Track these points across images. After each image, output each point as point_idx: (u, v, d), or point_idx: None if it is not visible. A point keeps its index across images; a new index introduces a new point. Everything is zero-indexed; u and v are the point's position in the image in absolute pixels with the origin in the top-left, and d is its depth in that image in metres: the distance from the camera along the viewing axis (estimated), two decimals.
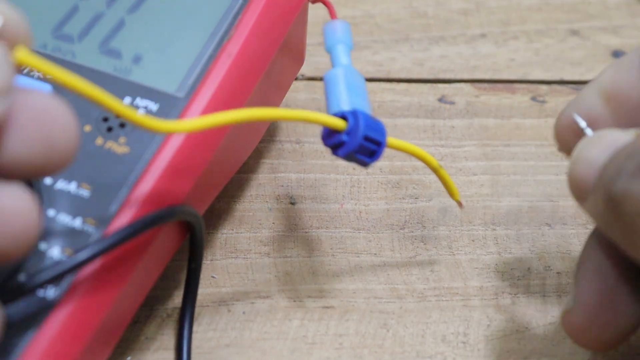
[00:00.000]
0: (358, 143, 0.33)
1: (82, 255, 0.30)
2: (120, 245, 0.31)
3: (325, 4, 0.39)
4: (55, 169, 0.27)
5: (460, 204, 0.40)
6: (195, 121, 0.31)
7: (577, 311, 0.34)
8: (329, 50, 0.37)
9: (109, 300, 0.32)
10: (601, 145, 0.32)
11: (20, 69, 0.27)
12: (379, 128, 0.34)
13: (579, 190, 0.33)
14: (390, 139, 0.35)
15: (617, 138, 0.32)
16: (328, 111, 0.35)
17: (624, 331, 0.34)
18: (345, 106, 0.34)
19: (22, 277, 0.30)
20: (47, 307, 0.30)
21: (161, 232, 0.33)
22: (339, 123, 0.34)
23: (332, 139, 0.34)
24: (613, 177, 0.31)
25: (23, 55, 0.26)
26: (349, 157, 0.34)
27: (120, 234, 0.31)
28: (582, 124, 0.35)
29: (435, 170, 0.38)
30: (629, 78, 0.35)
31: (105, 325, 0.32)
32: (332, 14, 0.38)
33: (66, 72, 0.27)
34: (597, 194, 0.31)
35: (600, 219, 0.32)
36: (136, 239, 0.32)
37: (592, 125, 0.35)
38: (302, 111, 0.33)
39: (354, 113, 0.34)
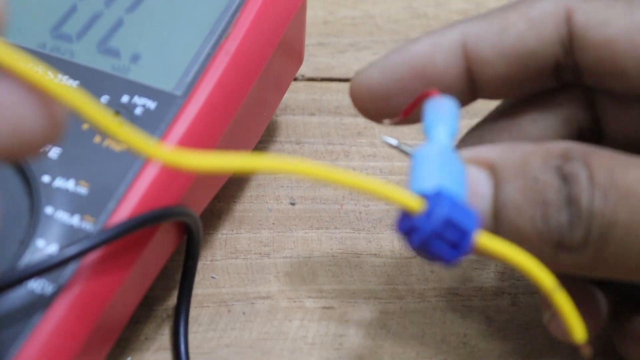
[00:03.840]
0: (434, 227, 0.26)
1: (72, 250, 0.30)
2: (113, 241, 0.31)
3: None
4: (28, 154, 0.24)
5: (586, 350, 0.29)
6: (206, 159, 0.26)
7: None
8: (427, 132, 0.30)
9: (107, 298, 0.32)
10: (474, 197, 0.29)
11: None
12: (468, 214, 0.27)
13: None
14: (485, 239, 0.27)
15: (479, 184, 0.29)
16: (408, 189, 0.27)
17: None
18: (430, 184, 0.27)
19: (12, 270, 0.30)
20: (44, 303, 0.31)
21: (159, 232, 0.33)
22: (414, 203, 0.27)
23: (405, 223, 0.27)
24: (560, 231, 0.29)
25: None
26: (424, 248, 0.27)
27: (113, 231, 0.31)
28: (393, 142, 0.33)
29: (549, 294, 0.29)
30: (445, 61, 0.33)
31: (103, 322, 0.32)
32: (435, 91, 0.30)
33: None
34: (535, 243, 0.29)
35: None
36: (132, 236, 0.32)
37: (397, 92, 0.33)
38: (371, 181, 0.26)
39: (438, 193, 0.27)
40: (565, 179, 0.29)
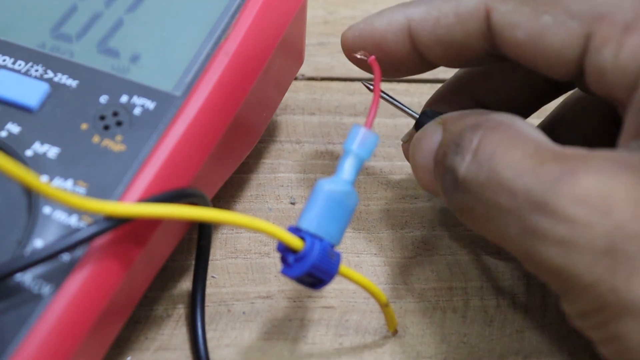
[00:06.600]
0: (301, 273, 0.32)
1: (90, 229, 0.31)
2: (126, 222, 0.31)
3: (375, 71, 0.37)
4: None
5: (394, 333, 0.39)
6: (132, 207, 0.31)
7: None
8: (345, 151, 0.34)
9: (117, 279, 0.32)
10: (423, 150, 0.36)
11: None
12: (330, 266, 0.33)
13: (435, 193, 0.36)
14: (344, 269, 0.34)
15: (430, 137, 0.36)
16: (298, 219, 0.33)
17: None
18: (311, 227, 0.33)
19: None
20: (64, 271, 0.31)
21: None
22: (297, 243, 0.32)
23: (285, 255, 0.33)
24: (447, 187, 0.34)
25: None
26: (298, 280, 0.33)
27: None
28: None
29: (382, 306, 0.37)
30: (396, 41, 0.37)
31: (110, 312, 0.32)
32: (369, 121, 0.34)
33: None
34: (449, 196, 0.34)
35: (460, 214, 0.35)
36: (141, 221, 0.32)
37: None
38: (262, 222, 0.32)
39: (313, 242, 0.32)
40: (457, 147, 0.33)
